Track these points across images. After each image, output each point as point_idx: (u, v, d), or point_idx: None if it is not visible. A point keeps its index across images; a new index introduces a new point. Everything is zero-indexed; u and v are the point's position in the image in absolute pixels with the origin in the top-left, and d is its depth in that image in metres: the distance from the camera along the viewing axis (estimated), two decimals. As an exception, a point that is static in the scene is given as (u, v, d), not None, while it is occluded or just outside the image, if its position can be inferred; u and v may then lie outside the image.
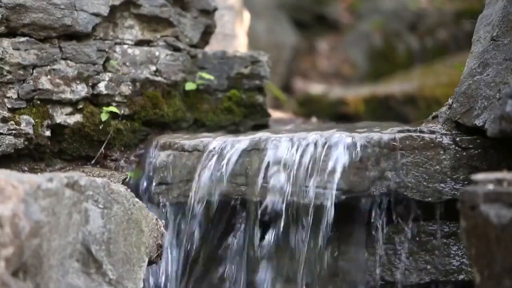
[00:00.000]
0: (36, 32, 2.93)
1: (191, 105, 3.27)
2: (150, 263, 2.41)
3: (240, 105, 3.31)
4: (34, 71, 2.93)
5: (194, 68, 3.29)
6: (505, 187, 1.97)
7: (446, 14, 7.42)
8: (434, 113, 2.99)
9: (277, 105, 5.48)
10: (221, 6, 3.77)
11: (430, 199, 2.74)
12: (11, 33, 2.91)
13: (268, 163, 2.79)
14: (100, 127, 3.05)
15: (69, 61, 3.00)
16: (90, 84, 3.03)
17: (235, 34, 4.44)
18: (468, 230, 1.99)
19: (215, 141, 2.90)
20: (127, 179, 2.97)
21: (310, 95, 6.58)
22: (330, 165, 2.75)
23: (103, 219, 2.25)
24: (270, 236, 2.79)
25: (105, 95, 3.07)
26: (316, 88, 6.94)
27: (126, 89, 3.11)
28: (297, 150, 2.79)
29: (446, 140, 2.77)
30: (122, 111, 3.09)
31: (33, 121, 2.91)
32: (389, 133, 2.81)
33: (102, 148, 3.06)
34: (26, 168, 2.96)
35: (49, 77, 2.95)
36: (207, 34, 3.37)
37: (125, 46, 3.13)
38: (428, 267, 2.76)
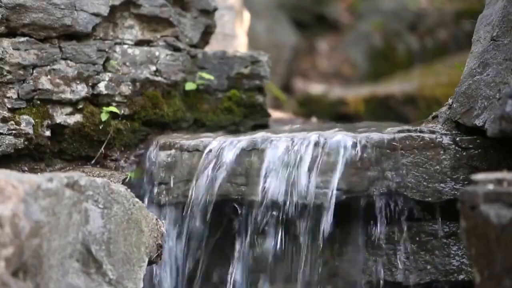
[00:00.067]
0: (36, 32, 2.93)
1: (191, 105, 3.27)
2: (150, 263, 2.42)
3: (240, 105, 3.31)
4: (34, 71, 2.93)
5: (194, 68, 3.29)
6: (505, 187, 1.97)
7: (446, 14, 7.43)
8: (434, 113, 2.99)
9: (277, 105, 5.48)
10: (221, 6, 3.77)
11: (430, 199, 2.74)
12: (11, 33, 2.91)
13: (268, 163, 2.79)
14: (100, 127, 3.05)
15: (69, 61, 3.00)
16: (90, 84, 3.03)
17: (235, 34, 4.44)
18: (468, 230, 1.99)
19: (215, 141, 2.90)
20: (127, 179, 2.97)
21: (310, 95, 6.58)
22: (330, 165, 2.75)
23: (103, 219, 2.25)
24: (270, 236, 2.79)
25: (105, 95, 3.07)
26: (316, 88, 6.94)
27: (126, 89, 3.11)
28: (297, 150, 2.79)
29: (446, 140, 2.77)
30: (122, 111, 3.09)
31: (33, 121, 2.91)
32: (389, 133, 2.81)
33: (102, 148, 3.06)
34: (26, 168, 2.96)
35: (49, 77, 2.95)
36: (207, 34, 3.37)
37: (125, 46, 3.13)
38: (428, 267, 2.76)
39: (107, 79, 3.07)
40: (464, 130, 2.80)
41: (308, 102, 6.30)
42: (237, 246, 2.84)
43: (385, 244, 2.77)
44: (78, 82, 3.01)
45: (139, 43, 3.17)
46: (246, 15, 4.62)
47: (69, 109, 3.01)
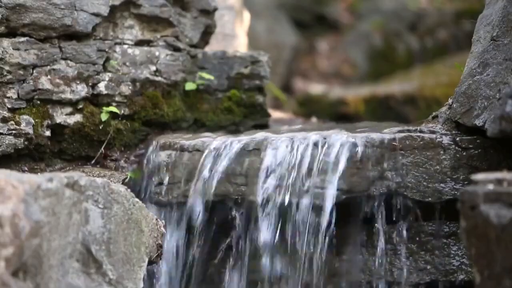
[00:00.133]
0: (36, 32, 2.93)
1: (191, 105, 3.27)
2: (150, 263, 2.42)
3: (240, 105, 3.31)
4: (34, 71, 2.93)
5: (194, 68, 3.29)
6: (505, 187, 1.97)
7: (446, 14, 7.42)
8: (434, 113, 2.99)
9: (277, 105, 5.48)
10: (221, 6, 3.77)
11: (430, 199, 2.74)
12: (11, 33, 2.91)
13: (268, 163, 2.79)
14: (100, 127, 3.05)
15: (69, 61, 3.00)
16: (90, 84, 3.03)
17: (235, 34, 4.44)
18: (468, 230, 1.99)
19: (215, 141, 2.90)
20: (127, 179, 2.96)
21: (310, 95, 6.58)
22: (330, 165, 2.75)
23: (103, 219, 2.25)
24: (269, 236, 2.79)
25: (105, 95, 3.07)
26: (316, 88, 6.94)
27: (126, 89, 3.11)
28: (297, 150, 2.79)
29: (446, 140, 2.77)
30: (122, 111, 3.09)
31: (33, 121, 2.91)
32: (389, 133, 2.81)
33: (102, 148, 3.06)
34: (26, 168, 2.96)
35: (49, 77, 2.95)
36: (207, 34, 3.37)
37: (125, 46, 3.13)
38: (428, 267, 2.76)
39: (107, 79, 3.07)
40: (464, 130, 2.80)
41: (308, 102, 6.30)
42: (237, 246, 2.84)
43: (385, 244, 2.77)
44: (78, 82, 3.01)
45: (139, 43, 3.17)
46: (246, 15, 4.62)
47: (69, 109, 3.01)
